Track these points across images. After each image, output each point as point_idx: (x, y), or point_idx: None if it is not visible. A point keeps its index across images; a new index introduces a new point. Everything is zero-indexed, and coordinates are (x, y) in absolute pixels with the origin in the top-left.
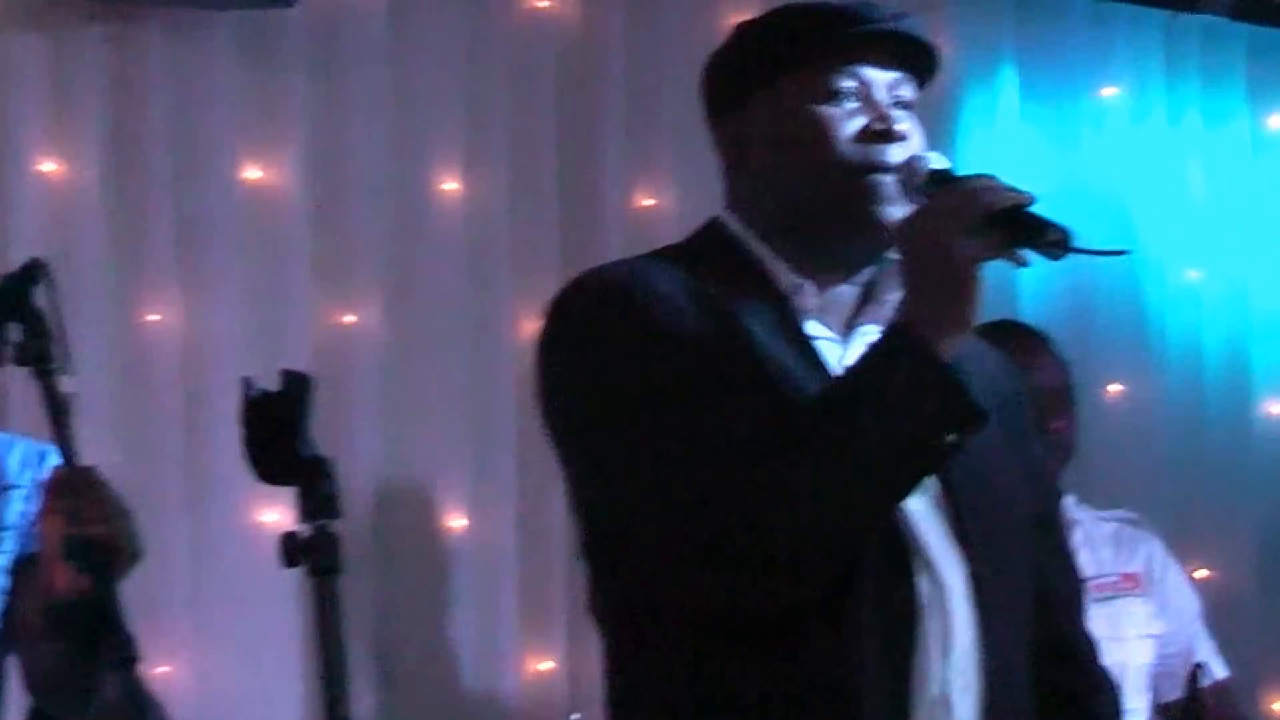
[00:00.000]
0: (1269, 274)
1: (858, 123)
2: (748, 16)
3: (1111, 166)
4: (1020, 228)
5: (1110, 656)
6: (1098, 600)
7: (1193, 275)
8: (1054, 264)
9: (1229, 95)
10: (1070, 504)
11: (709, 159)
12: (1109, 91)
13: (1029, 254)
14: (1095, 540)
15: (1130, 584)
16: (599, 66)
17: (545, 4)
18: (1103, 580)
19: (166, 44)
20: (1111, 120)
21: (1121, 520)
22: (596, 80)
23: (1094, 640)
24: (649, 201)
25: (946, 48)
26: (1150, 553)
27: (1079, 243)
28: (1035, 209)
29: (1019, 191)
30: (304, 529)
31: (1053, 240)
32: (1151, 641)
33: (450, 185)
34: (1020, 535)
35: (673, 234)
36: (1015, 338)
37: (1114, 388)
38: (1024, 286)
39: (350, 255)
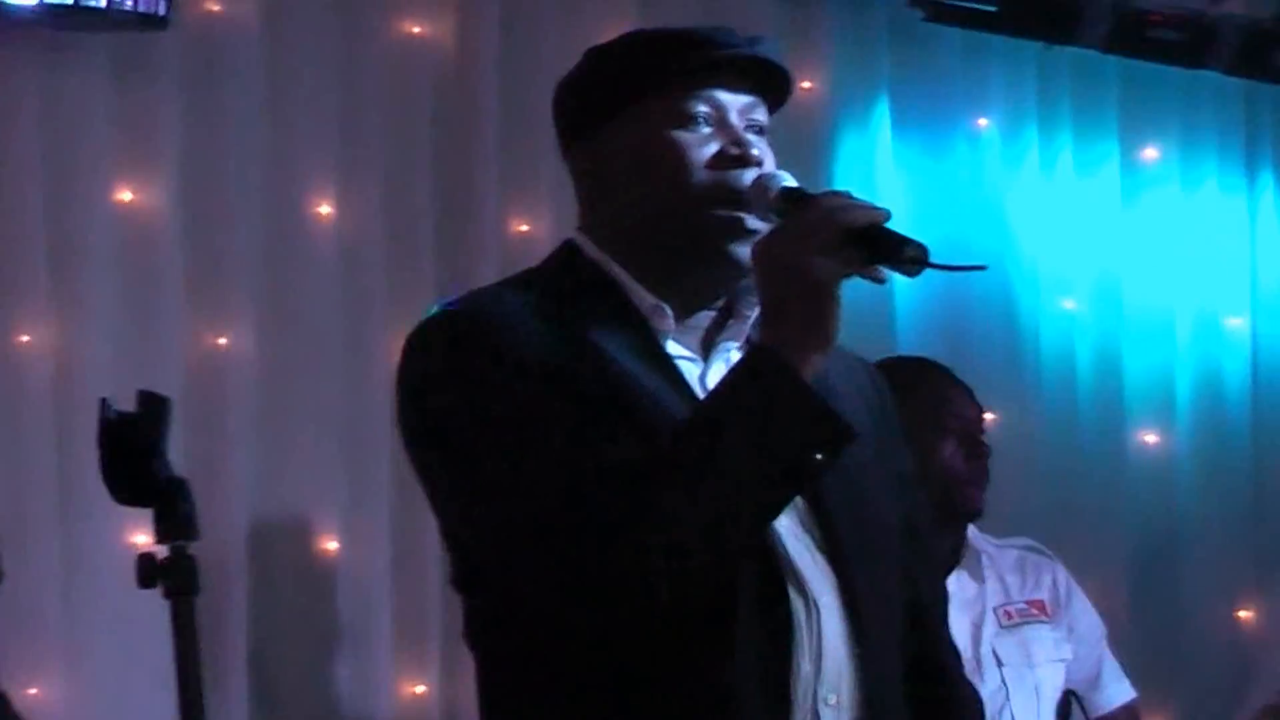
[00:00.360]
0: (1141, 303)
1: (712, 147)
2: None
3: (986, 196)
4: (877, 245)
5: (1022, 682)
6: (1006, 627)
7: (1067, 304)
8: (932, 294)
9: (1101, 126)
10: (972, 532)
11: None
12: (983, 122)
13: (887, 271)
14: (1000, 568)
15: (1037, 611)
16: (474, 90)
17: (420, 28)
18: (1010, 607)
19: (39, 65)
20: (985, 150)
21: (1024, 548)
22: (472, 104)
23: (958, 652)
24: (524, 226)
25: (821, 79)
26: (1055, 579)
27: (936, 259)
28: (891, 225)
29: (874, 208)
30: (161, 550)
31: (910, 257)
32: (1061, 666)
33: (324, 208)
34: (891, 547)
35: None
36: (925, 368)
37: (989, 416)
38: (900, 315)
39: (223, 277)
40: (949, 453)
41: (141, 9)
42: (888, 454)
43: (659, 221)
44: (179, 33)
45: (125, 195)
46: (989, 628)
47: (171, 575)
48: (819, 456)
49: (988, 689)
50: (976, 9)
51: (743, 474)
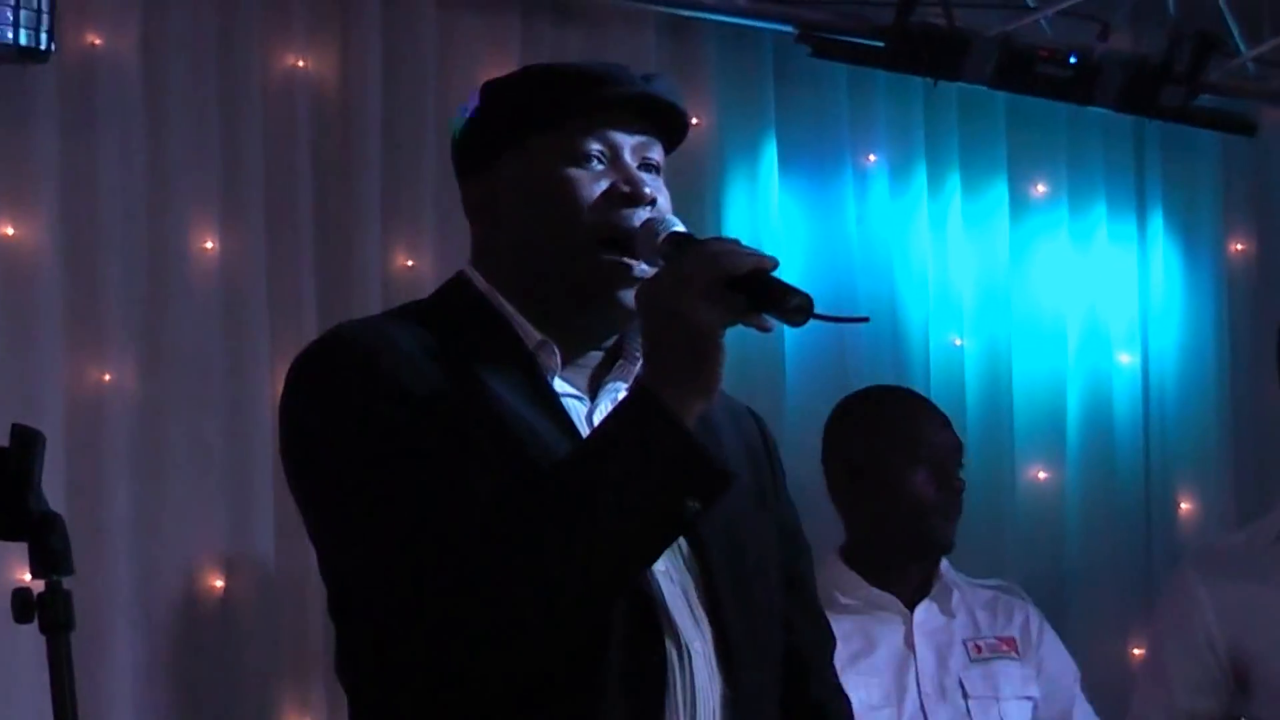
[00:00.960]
0: (1031, 339)
1: (602, 185)
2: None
3: (874, 232)
4: (761, 293)
5: (986, 715)
6: (975, 660)
7: (957, 340)
8: (822, 330)
9: (990, 161)
10: (945, 567)
11: (465, 221)
12: (871, 158)
13: (771, 319)
14: (972, 605)
15: (1007, 647)
16: (356, 124)
17: (302, 61)
18: (980, 641)
19: None
20: (874, 186)
21: (997, 588)
22: (354, 138)
23: (846, 698)
24: (407, 261)
25: (707, 115)
26: (1026, 619)
27: (820, 309)
28: (776, 274)
29: (760, 255)
30: (37, 585)
31: (794, 306)
32: (1028, 704)
33: (207, 244)
34: (768, 595)
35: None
36: (903, 399)
37: None
38: (789, 352)
39: (104, 313)
40: (919, 482)
41: (23, 42)
42: (769, 503)
43: (547, 260)
44: (58, 65)
45: (6, 230)
46: (956, 660)
47: (46, 610)
48: (693, 503)
49: None
50: (863, 45)
51: (617, 518)
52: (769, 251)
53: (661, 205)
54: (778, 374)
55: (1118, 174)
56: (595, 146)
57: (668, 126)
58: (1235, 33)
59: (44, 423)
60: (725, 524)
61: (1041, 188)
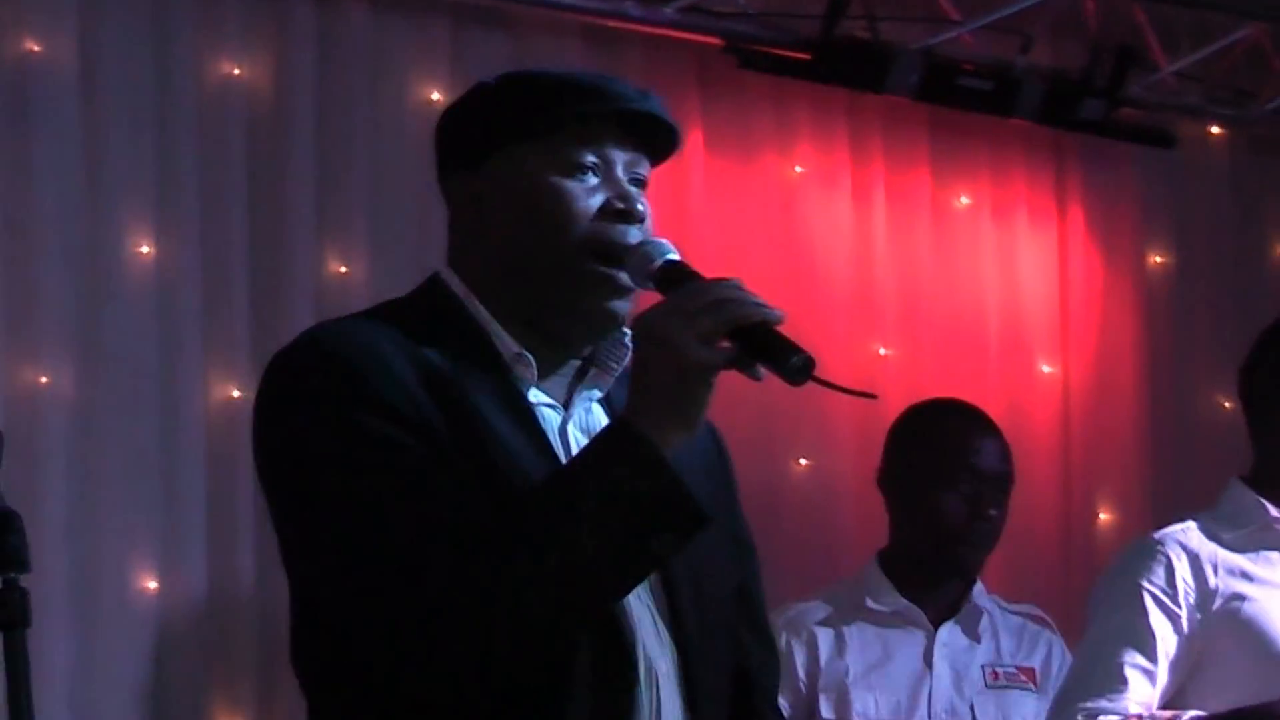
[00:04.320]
0: (953, 348)
1: (597, 199)
2: (437, 84)
3: (797, 242)
4: (763, 346)
5: None
6: (990, 686)
7: (880, 350)
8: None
9: (912, 171)
10: (979, 591)
11: (400, 226)
12: (795, 169)
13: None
14: (999, 630)
15: (1025, 677)
16: (289, 132)
17: (237, 69)
18: (999, 668)
19: None
20: (797, 196)
21: (1027, 615)
22: (287, 146)
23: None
24: (341, 267)
25: None
26: (1050, 651)
27: (819, 374)
28: (780, 329)
29: (768, 308)
30: None
31: (795, 366)
32: None
33: (142, 248)
34: (725, 616)
35: (363, 301)
36: (958, 418)
37: (804, 461)
38: None
39: (40, 316)
40: (951, 508)
41: None
42: (725, 518)
43: (535, 267)
44: None
45: None
46: (972, 683)
47: (5, 608)
48: (665, 540)
49: None
50: (789, 57)
51: (589, 549)
52: (693, 259)
53: (649, 224)
54: None
55: (1038, 184)
56: (589, 158)
57: (659, 144)
58: (1154, 47)
59: None
60: (691, 546)
61: (963, 197)
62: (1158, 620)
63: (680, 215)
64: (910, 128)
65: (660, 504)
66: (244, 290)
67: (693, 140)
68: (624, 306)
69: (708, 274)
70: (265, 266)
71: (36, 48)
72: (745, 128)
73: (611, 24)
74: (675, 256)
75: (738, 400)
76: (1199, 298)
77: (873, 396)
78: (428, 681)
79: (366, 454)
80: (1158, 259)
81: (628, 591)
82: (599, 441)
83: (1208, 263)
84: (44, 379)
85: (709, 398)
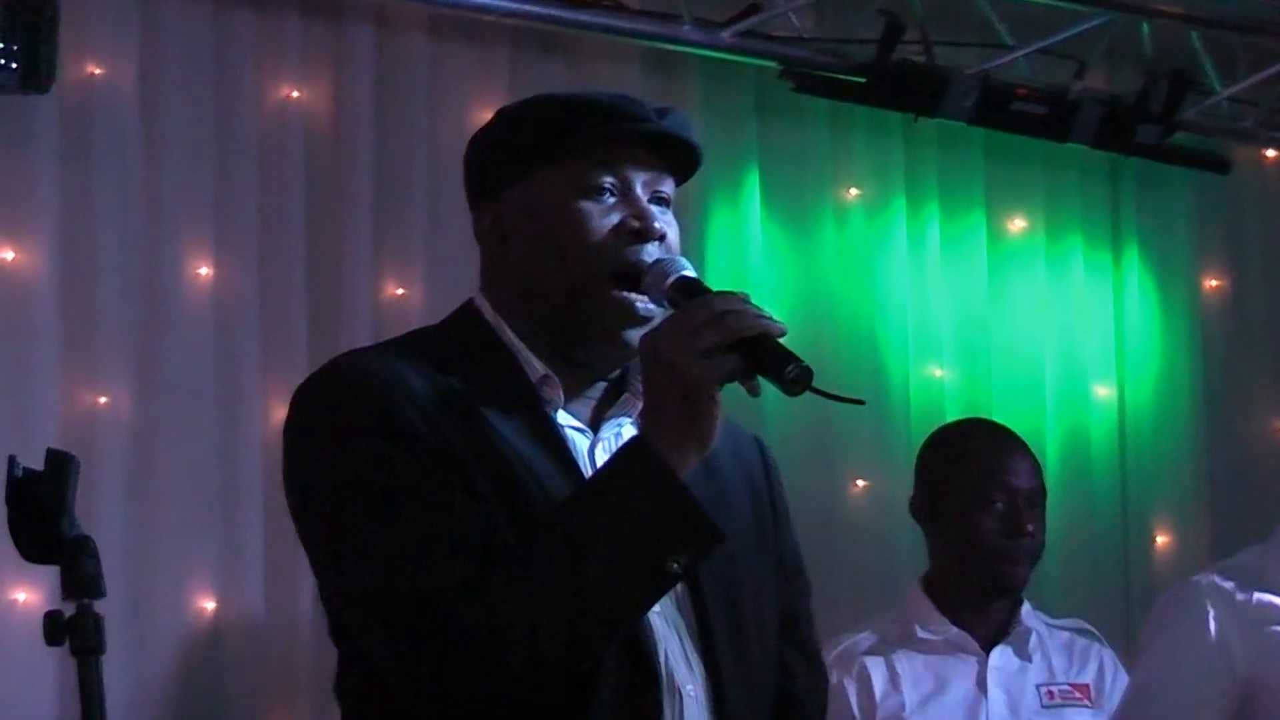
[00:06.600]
0: (1009, 370)
1: (613, 219)
2: (495, 108)
3: (854, 265)
4: (762, 357)
5: None
6: (1047, 706)
7: (936, 372)
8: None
9: (967, 196)
10: (1027, 611)
11: (457, 249)
12: (852, 192)
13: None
14: (1049, 648)
15: (1080, 694)
16: (348, 155)
17: (296, 92)
18: (1053, 687)
19: None
20: (854, 219)
21: (1075, 630)
22: (345, 169)
23: None
24: (398, 290)
25: None
26: (1102, 665)
27: (818, 384)
28: (781, 341)
29: (768, 320)
30: (67, 608)
31: (792, 376)
32: None
33: (202, 270)
34: (764, 637)
35: (420, 323)
36: (986, 436)
37: (861, 483)
38: (767, 385)
39: (100, 338)
40: (987, 527)
41: (25, 71)
42: (769, 539)
43: (554, 292)
44: (58, 94)
45: (5, 255)
46: (1028, 705)
47: (77, 633)
48: (680, 560)
49: None
50: (845, 80)
51: (606, 572)
52: (751, 283)
53: (671, 240)
54: (755, 402)
55: (1093, 209)
56: (607, 179)
57: (680, 161)
58: (1210, 71)
59: (38, 445)
60: (723, 562)
61: (1019, 222)
62: (1194, 675)
63: (737, 239)
64: (965, 152)
65: (674, 522)
66: (302, 312)
67: (749, 164)
68: (638, 336)
69: (766, 301)
70: (323, 289)
71: (99, 71)
72: (802, 151)
73: (670, 48)
74: (689, 273)
75: (795, 419)
76: (1255, 321)
77: (861, 402)
78: (451, 704)
79: (389, 482)
80: (1213, 283)
81: (645, 610)
82: (613, 461)
83: (1264, 286)
84: (103, 400)
85: (716, 411)
